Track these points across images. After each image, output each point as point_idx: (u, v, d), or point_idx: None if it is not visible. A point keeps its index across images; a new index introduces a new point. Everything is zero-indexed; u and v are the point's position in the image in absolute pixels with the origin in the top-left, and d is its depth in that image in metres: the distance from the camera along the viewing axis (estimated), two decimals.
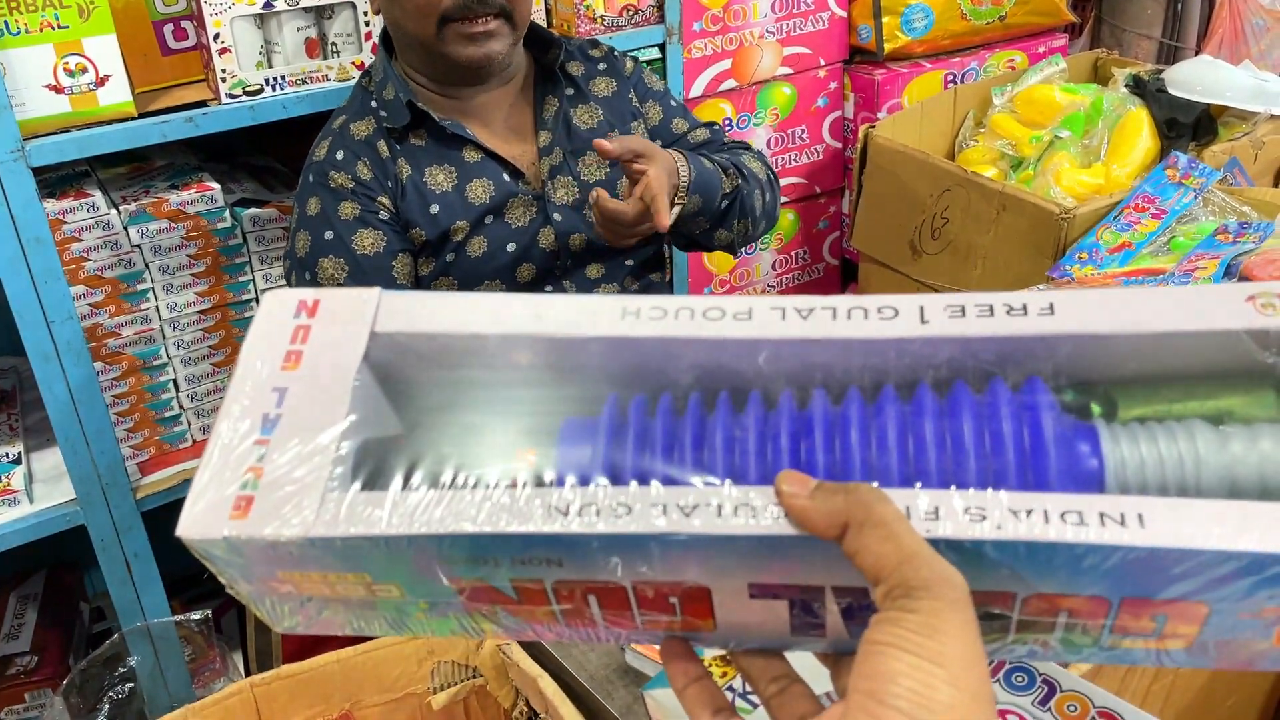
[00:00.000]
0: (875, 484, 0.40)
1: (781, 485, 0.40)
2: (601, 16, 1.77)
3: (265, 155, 1.79)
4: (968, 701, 0.35)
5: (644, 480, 0.41)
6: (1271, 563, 0.37)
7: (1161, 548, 0.37)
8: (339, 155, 1.32)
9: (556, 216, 1.36)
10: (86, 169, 1.54)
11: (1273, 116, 1.91)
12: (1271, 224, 1.52)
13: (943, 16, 2.14)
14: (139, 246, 1.50)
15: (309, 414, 0.44)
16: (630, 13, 1.80)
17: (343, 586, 0.44)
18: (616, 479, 0.42)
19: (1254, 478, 0.41)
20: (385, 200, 1.31)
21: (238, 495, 0.42)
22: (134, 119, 1.42)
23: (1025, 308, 0.43)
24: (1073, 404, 0.43)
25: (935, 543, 0.38)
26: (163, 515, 1.55)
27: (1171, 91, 1.93)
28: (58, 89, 1.37)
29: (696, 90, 2.01)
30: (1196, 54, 2.39)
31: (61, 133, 1.38)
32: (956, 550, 0.38)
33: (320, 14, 1.52)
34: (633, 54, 1.66)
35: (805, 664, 0.48)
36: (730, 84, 2.06)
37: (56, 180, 1.49)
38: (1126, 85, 2.01)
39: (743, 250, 1.46)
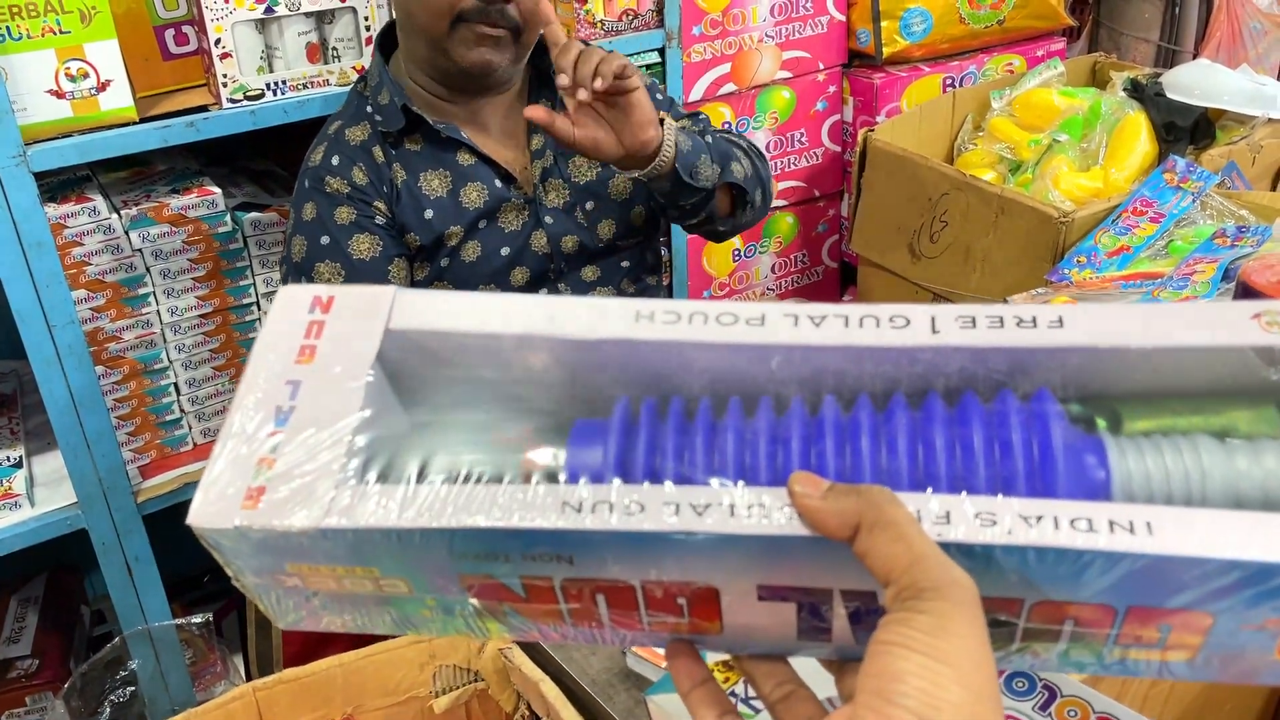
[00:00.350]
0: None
1: (794, 486, 0.40)
2: (601, 21, 1.77)
3: (266, 159, 1.79)
4: (976, 702, 0.35)
5: (655, 482, 0.41)
6: (1276, 573, 0.37)
7: (1169, 555, 0.37)
8: (334, 160, 1.32)
9: (548, 219, 1.37)
10: (88, 173, 1.54)
11: (1270, 120, 1.91)
12: (1269, 228, 1.52)
13: (941, 20, 2.14)
14: (140, 251, 1.51)
15: (323, 407, 0.44)
16: (630, 17, 1.80)
17: (350, 581, 0.44)
18: (627, 481, 0.42)
19: (1257, 493, 0.41)
20: (381, 205, 1.31)
21: (249, 485, 0.42)
22: (135, 124, 1.42)
23: (1035, 320, 0.44)
24: (1080, 416, 0.44)
25: (946, 546, 0.38)
26: (164, 518, 1.55)
27: (1169, 95, 1.93)
28: (59, 94, 1.37)
29: (696, 94, 2.02)
30: (1194, 58, 2.40)
31: (63, 137, 1.38)
32: (967, 554, 0.38)
33: (321, 19, 1.53)
34: (631, 58, 1.66)
35: (807, 669, 0.48)
36: (729, 88, 2.07)
37: (58, 185, 1.50)
38: (1124, 89, 2.01)
39: (748, 220, 1.44)
